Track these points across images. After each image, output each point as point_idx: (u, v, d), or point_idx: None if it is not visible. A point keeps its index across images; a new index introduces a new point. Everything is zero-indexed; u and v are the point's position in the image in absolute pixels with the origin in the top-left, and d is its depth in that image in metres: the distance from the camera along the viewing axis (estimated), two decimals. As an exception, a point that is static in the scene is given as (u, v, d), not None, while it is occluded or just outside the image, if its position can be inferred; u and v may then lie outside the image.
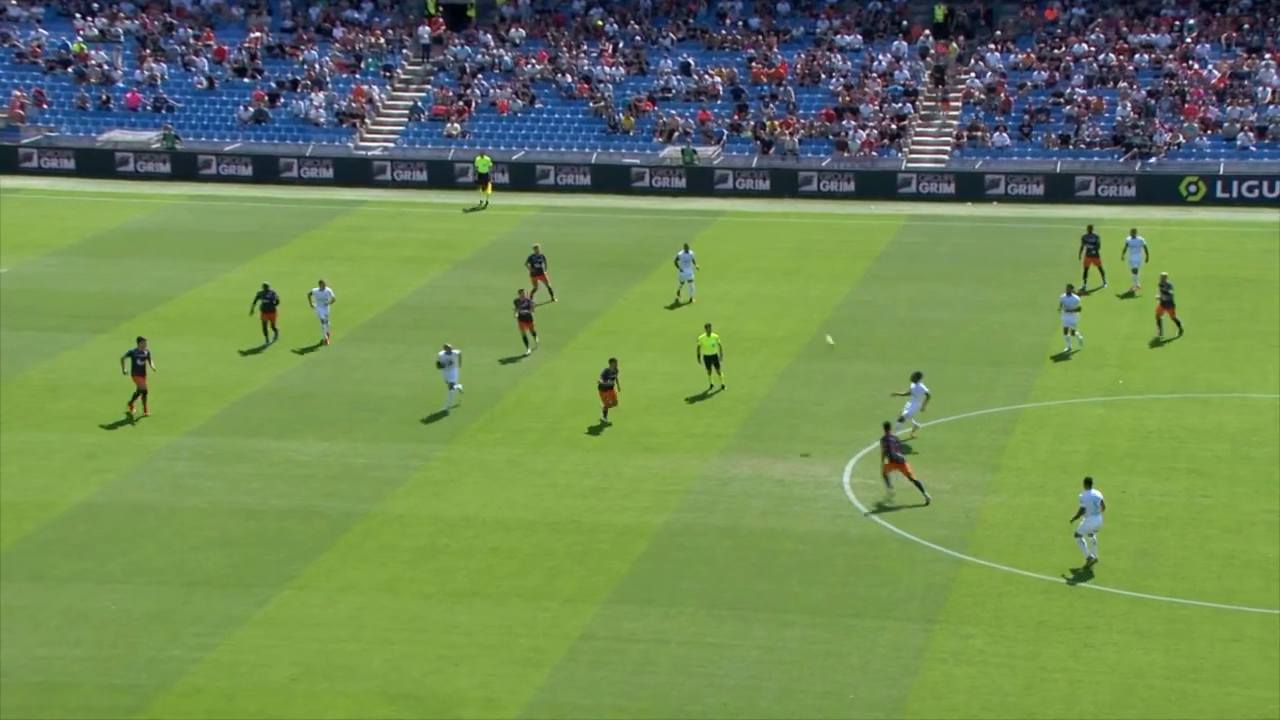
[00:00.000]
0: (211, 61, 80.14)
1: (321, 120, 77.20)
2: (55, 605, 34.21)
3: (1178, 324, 50.97)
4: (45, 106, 78.08)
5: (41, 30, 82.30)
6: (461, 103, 77.86)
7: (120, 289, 57.59)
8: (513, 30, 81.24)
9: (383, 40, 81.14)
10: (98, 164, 74.93)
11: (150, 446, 42.80)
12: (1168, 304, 50.65)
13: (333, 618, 33.87)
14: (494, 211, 69.76)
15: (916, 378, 42.87)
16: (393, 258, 62.43)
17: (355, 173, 74.45)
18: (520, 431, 44.10)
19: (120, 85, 79.25)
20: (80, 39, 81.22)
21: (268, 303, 50.79)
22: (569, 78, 78.20)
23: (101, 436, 43.68)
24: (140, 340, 45.44)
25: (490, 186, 71.09)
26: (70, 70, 79.95)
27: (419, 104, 78.11)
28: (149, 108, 78.14)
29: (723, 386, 46.55)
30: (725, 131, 74.93)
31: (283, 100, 78.08)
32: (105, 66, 79.85)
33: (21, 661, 31.85)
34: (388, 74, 79.71)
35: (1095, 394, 46.63)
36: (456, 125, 76.67)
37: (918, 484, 38.74)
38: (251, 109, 77.54)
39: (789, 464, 41.46)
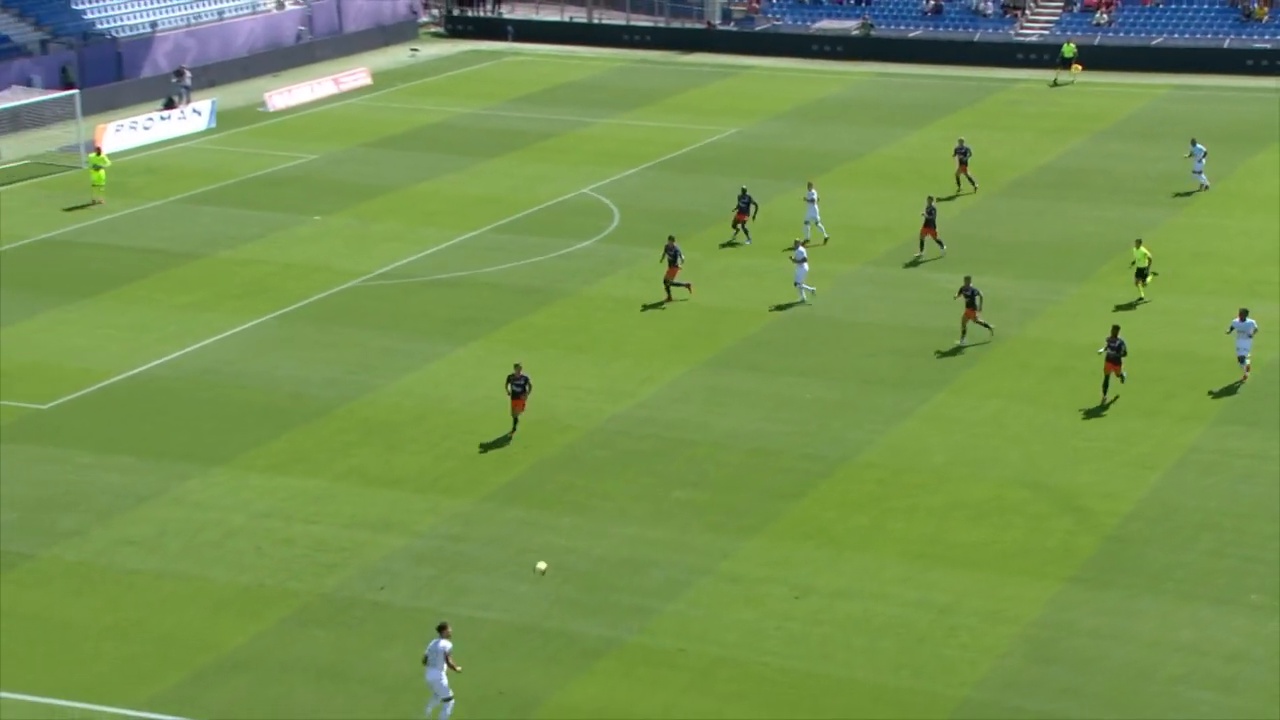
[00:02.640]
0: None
1: (989, 11, 75.54)
2: (767, 390, 36.06)
3: None
4: (774, 1, 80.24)
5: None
6: (1110, -5, 74.21)
7: (821, 148, 58.93)
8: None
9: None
10: (808, 47, 76.40)
11: (836, 273, 43.92)
12: None
13: (979, 418, 34.10)
14: (1130, 89, 66.41)
15: (1243, 314, 35.22)
16: (1040, 128, 60.75)
17: (1013, 55, 72.52)
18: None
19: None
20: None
21: (743, 205, 46.18)
22: (1207, -28, 72.83)
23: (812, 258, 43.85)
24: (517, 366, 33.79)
25: (1078, 66, 67.85)
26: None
27: (1072, -3, 75.02)
28: (852, 1, 78.79)
29: (1142, 299, 40.33)
30: (1354, 18, 67.88)
31: (960, -6, 77.00)
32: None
33: (742, 432, 33.88)
34: (1047, -29, 76.87)
35: None
36: (1104, 15, 73.15)
37: (985, 325, 37.96)
38: (933, 2, 76.75)
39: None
